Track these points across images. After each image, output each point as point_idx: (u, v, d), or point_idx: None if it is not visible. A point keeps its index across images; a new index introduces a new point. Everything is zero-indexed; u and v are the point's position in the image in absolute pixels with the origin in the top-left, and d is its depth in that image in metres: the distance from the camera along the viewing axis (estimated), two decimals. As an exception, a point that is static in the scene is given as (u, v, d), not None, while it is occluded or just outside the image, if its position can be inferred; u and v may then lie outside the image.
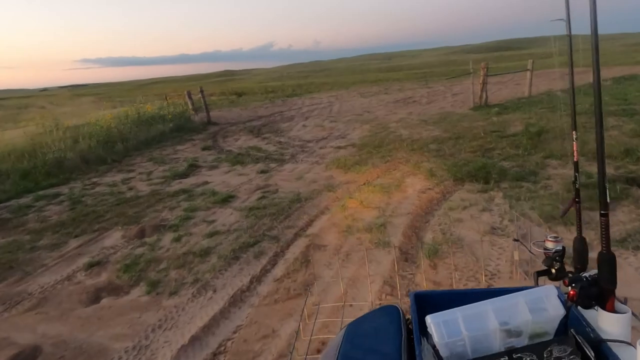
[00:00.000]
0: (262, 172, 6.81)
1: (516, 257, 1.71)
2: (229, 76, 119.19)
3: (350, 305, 2.73)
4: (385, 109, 13.22)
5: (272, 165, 7.26)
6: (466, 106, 11.58)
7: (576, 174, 1.09)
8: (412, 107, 13.06)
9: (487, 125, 8.43)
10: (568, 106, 1.06)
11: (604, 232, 0.89)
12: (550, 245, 1.05)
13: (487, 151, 6.35)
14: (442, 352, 0.83)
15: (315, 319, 1.61)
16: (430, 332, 0.84)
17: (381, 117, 11.47)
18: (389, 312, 1.05)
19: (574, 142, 1.06)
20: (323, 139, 9.24)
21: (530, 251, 1.18)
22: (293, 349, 1.26)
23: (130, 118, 11.54)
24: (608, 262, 0.87)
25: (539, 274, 1.02)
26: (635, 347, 0.72)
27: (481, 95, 10.82)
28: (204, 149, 9.34)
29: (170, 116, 12.18)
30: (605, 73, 16.21)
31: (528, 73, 11.56)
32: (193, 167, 7.66)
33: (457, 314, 0.83)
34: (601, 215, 0.89)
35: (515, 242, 1.71)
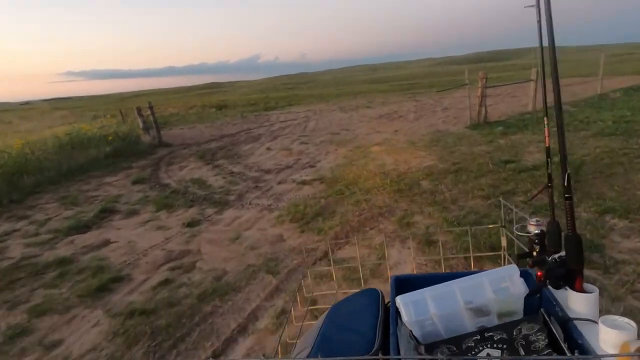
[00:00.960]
0: (190, 224, 4.77)
1: (503, 244, 1.43)
2: (214, 88, 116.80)
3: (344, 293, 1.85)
4: (367, 126, 11.31)
5: (209, 211, 5.22)
6: (461, 123, 9.73)
7: (548, 159, 1.05)
8: (397, 123, 11.17)
9: (493, 150, 6.52)
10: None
11: (569, 215, 0.92)
12: (532, 228, 1.02)
13: (504, 195, 4.40)
14: (415, 332, 0.84)
15: (308, 307, 1.46)
16: (400, 312, 0.86)
17: (361, 137, 9.54)
18: (369, 294, 1.07)
19: (546, 128, 1.06)
20: (287, 168, 7.24)
21: (515, 237, 1.16)
22: (282, 332, 1.18)
23: (61, 141, 9.41)
24: (574, 243, 0.90)
25: (520, 257, 1.02)
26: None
27: (479, 111, 8.97)
28: (135, 182, 7.25)
29: (111, 137, 10.08)
30: (611, 84, 14.55)
31: (532, 84, 9.77)
32: (105, 214, 5.59)
33: (425, 294, 0.86)
34: (565, 198, 0.93)
35: (502, 229, 1.43)
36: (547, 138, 1.05)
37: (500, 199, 1.52)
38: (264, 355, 0.76)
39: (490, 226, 2.54)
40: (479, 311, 0.83)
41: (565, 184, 0.91)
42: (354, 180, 5.77)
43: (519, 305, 0.85)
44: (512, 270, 0.87)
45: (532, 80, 9.79)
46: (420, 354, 0.81)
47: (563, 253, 0.92)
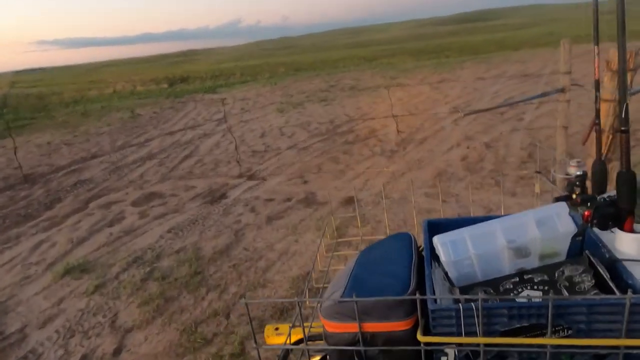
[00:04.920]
0: None
1: (537, 190, 1.27)
2: (189, 56, 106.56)
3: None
4: (294, 168, 4.99)
5: None
6: (524, 183, 3.48)
7: (597, 93, 0.90)
8: (361, 165, 4.86)
9: None
10: None
11: (624, 150, 0.79)
12: (572, 170, 0.93)
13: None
14: (451, 274, 0.79)
15: (333, 252, 1.30)
16: (438, 252, 0.79)
17: (251, 265, 3.26)
18: (402, 238, 1.00)
19: (596, 58, 0.89)
20: None
21: (551, 182, 1.07)
22: (309, 279, 1.10)
23: None
24: (627, 181, 0.77)
25: (558, 199, 0.89)
26: None
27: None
28: None
29: None
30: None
31: None
32: None
33: (465, 234, 0.79)
34: (622, 132, 0.79)
35: (538, 174, 1.22)
36: (596, 69, 0.89)
37: (537, 143, 1.40)
38: (296, 297, 0.70)
39: (524, 171, 2.33)
40: (520, 251, 0.76)
41: (623, 115, 0.77)
42: None
43: (563, 246, 0.77)
44: (560, 208, 0.78)
45: None
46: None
47: (610, 193, 0.81)
